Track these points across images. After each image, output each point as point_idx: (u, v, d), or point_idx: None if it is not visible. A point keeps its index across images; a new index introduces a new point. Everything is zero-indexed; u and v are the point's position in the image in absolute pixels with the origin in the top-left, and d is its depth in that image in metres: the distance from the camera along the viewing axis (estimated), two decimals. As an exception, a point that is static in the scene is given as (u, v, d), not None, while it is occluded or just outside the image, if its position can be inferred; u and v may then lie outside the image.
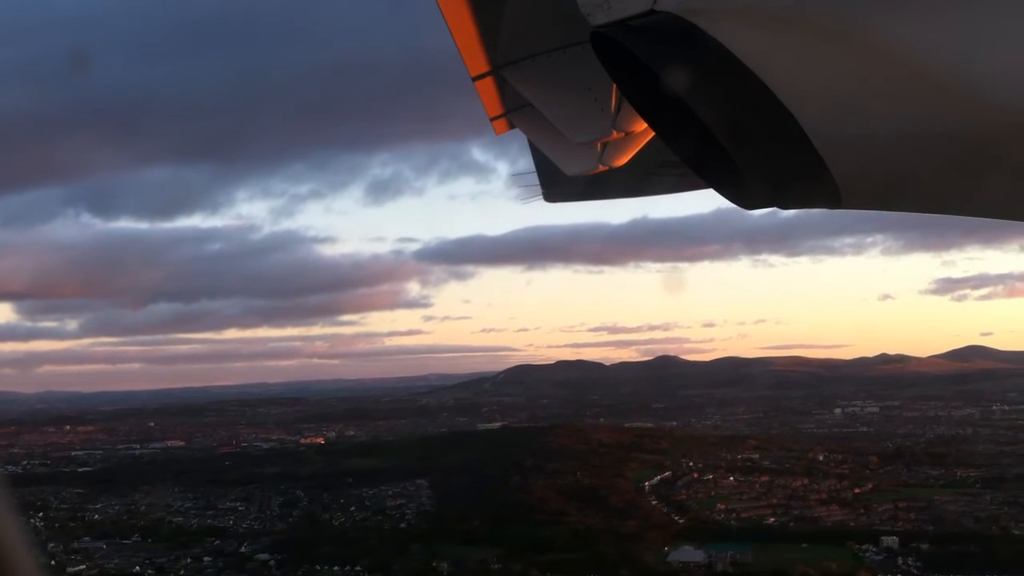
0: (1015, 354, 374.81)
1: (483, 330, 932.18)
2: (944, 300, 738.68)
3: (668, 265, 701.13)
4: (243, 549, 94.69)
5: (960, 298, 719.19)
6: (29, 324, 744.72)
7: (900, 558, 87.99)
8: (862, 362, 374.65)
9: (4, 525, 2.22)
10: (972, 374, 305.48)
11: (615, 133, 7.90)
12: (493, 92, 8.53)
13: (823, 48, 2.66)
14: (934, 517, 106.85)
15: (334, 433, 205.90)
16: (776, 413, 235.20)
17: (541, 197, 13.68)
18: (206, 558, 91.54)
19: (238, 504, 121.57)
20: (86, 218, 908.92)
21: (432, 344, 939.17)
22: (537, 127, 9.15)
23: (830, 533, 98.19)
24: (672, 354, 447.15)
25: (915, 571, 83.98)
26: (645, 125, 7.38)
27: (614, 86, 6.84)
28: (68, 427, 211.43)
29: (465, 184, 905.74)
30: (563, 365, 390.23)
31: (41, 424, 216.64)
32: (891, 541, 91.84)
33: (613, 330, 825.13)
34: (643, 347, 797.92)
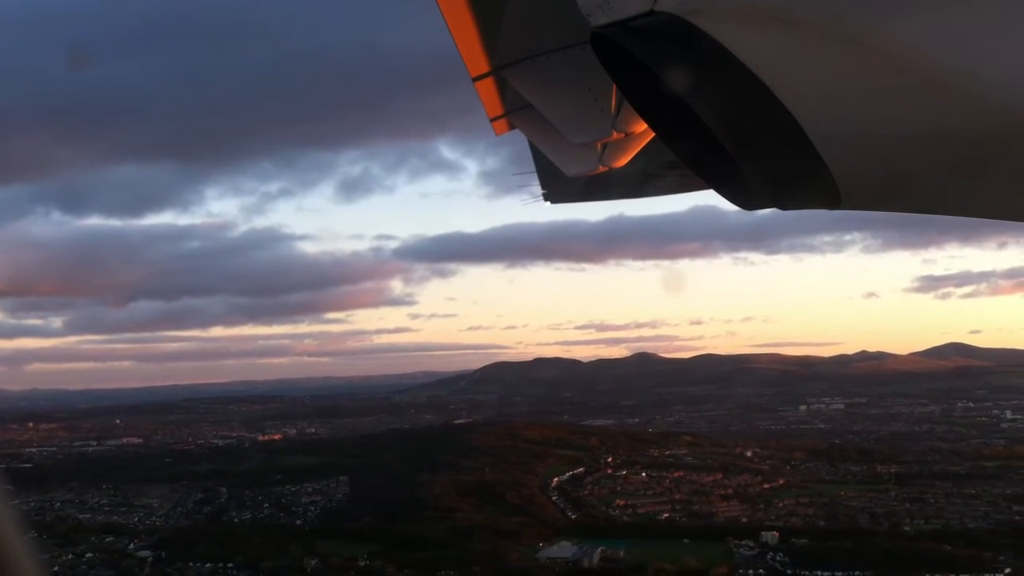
0: (994, 351, 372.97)
1: (470, 328, 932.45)
2: (928, 298, 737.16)
3: (650, 263, 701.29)
4: (131, 546, 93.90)
5: (944, 296, 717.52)
6: (13, 322, 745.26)
7: (772, 554, 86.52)
8: (842, 359, 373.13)
9: (3, 524, 2.20)
10: (946, 372, 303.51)
11: (615, 134, 7.74)
12: (493, 93, 8.40)
13: (823, 48, 2.61)
14: (829, 513, 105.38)
15: (294, 431, 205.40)
16: (742, 410, 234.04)
17: (541, 198, 13.39)
18: (88, 555, 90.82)
19: (154, 501, 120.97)
20: (57, 216, 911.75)
21: (422, 342, 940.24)
22: (537, 128, 9.01)
23: (717, 529, 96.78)
24: (651, 351, 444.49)
25: (779, 567, 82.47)
26: (645, 126, 7.34)
27: (614, 87, 6.78)
28: (31, 424, 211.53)
29: (436, 182, 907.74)
30: (540, 363, 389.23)
31: (7, 421, 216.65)
32: (770, 537, 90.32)
33: (601, 327, 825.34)
34: (633, 344, 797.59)
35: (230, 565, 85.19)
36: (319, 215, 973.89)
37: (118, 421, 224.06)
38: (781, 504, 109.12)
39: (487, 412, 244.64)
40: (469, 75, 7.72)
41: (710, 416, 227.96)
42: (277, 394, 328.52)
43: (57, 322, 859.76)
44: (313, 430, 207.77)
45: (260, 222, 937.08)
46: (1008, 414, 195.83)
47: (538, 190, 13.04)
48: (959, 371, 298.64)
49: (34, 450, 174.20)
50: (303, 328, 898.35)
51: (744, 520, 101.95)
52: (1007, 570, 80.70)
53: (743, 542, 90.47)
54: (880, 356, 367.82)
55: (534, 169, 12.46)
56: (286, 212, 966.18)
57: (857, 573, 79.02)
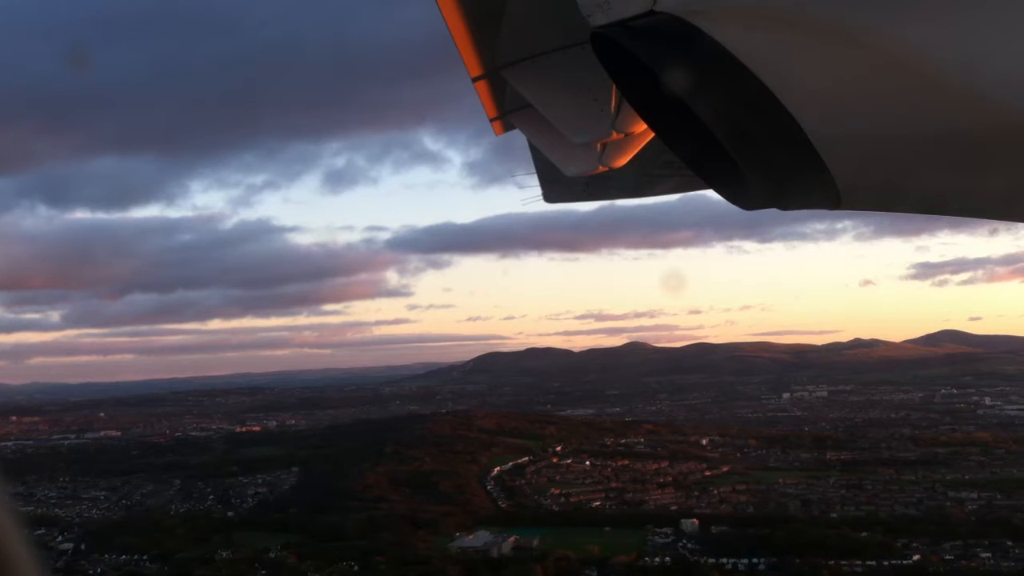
0: (988, 338, 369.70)
1: (469, 319, 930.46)
2: (925, 285, 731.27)
3: (643, 252, 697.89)
4: (59, 538, 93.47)
5: (941, 283, 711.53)
6: (10, 316, 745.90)
7: (684, 541, 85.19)
8: (834, 347, 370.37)
9: (3, 523, 2.20)
10: (936, 359, 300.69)
11: (615, 134, 7.66)
12: (493, 93, 8.28)
13: (823, 49, 2.60)
14: (761, 500, 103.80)
15: (275, 423, 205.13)
16: (724, 399, 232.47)
17: (541, 198, 13.20)
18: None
19: (102, 494, 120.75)
20: (43, 210, 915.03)
21: (422, 333, 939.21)
22: (537, 128, 8.92)
23: (642, 516, 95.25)
24: (644, 341, 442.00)
25: (688, 554, 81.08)
26: (645, 126, 7.28)
27: (614, 87, 6.73)
28: (14, 418, 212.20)
29: (421, 173, 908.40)
30: (533, 353, 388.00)
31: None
32: (689, 524, 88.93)
33: (600, 317, 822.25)
34: (633, 334, 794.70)
35: (144, 557, 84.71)
36: (306, 207, 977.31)
37: (102, 414, 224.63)
38: (716, 491, 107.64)
39: (471, 402, 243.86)
40: (469, 75, 7.54)
41: (691, 404, 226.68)
42: (273, 386, 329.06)
43: (54, 316, 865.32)
44: (293, 422, 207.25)
45: (248, 214, 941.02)
46: (987, 400, 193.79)
47: (537, 190, 12.75)
48: (949, 358, 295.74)
49: (10, 444, 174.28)
50: (301, 320, 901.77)
51: (673, 507, 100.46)
52: (916, 557, 79.22)
53: (662, 529, 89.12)
54: (873, 344, 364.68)
55: (532, 168, 12.14)
56: (273, 204, 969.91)
57: (760, 560, 77.54)
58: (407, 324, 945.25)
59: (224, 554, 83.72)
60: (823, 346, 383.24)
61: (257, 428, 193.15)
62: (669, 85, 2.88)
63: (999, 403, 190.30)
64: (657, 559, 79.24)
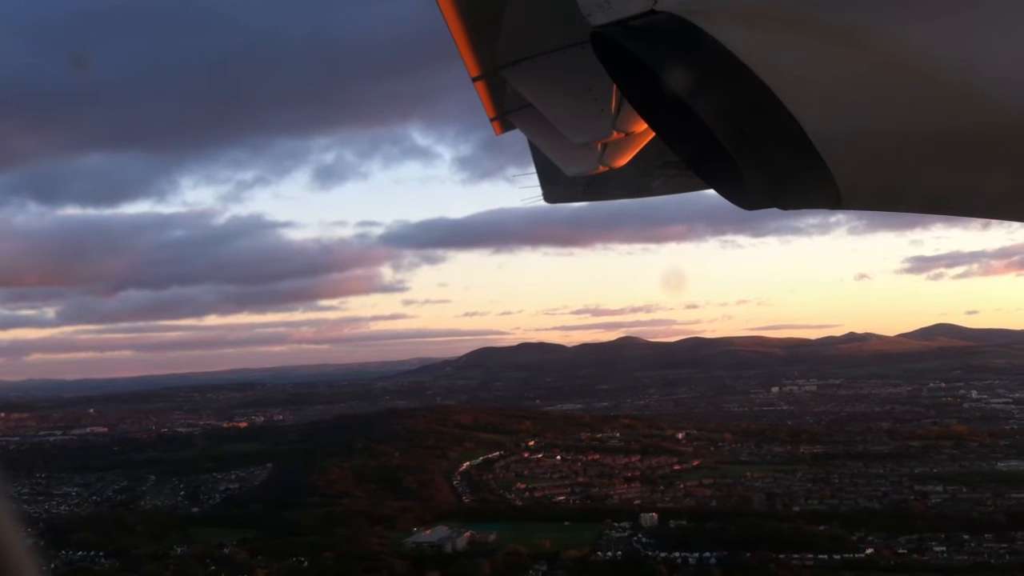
0: (982, 332, 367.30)
1: (466, 314, 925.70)
2: (921, 279, 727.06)
3: (637, 246, 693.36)
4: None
5: (937, 277, 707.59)
6: (6, 312, 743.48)
7: (640, 535, 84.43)
8: (827, 341, 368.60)
9: (3, 523, 2.20)
10: (927, 352, 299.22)
11: (615, 133, 7.64)
12: (492, 93, 8.32)
13: (823, 48, 2.59)
14: (726, 494, 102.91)
15: (263, 418, 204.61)
16: (713, 393, 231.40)
17: (541, 198, 13.31)
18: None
19: (74, 490, 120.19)
20: (33, 206, 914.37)
21: (418, 328, 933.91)
22: (537, 127, 8.95)
23: (603, 511, 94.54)
24: (637, 335, 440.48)
25: (640, 548, 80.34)
26: (645, 125, 7.24)
27: (614, 86, 6.72)
28: (3, 414, 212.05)
29: (411, 168, 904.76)
30: (525, 348, 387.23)
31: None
32: (647, 518, 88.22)
33: (596, 312, 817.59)
34: (630, 329, 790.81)
35: (101, 553, 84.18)
36: (297, 202, 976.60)
37: (91, 410, 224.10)
38: (682, 485, 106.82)
39: (461, 397, 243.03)
40: (468, 74, 7.53)
41: (679, 399, 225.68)
42: (268, 382, 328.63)
43: (50, 312, 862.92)
44: (280, 418, 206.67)
45: (240, 210, 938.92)
46: (974, 394, 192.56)
47: (537, 189, 12.74)
48: (941, 352, 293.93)
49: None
50: (298, 316, 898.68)
51: (637, 502, 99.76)
52: (869, 550, 78.38)
53: (620, 524, 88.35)
54: (866, 338, 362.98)
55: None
56: (263, 200, 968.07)
57: (711, 554, 76.77)
58: (403, 319, 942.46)
59: (179, 550, 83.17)
60: (817, 340, 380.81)
61: (244, 424, 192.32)
62: (669, 85, 2.84)
63: (985, 396, 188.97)
64: (609, 554, 78.48)
